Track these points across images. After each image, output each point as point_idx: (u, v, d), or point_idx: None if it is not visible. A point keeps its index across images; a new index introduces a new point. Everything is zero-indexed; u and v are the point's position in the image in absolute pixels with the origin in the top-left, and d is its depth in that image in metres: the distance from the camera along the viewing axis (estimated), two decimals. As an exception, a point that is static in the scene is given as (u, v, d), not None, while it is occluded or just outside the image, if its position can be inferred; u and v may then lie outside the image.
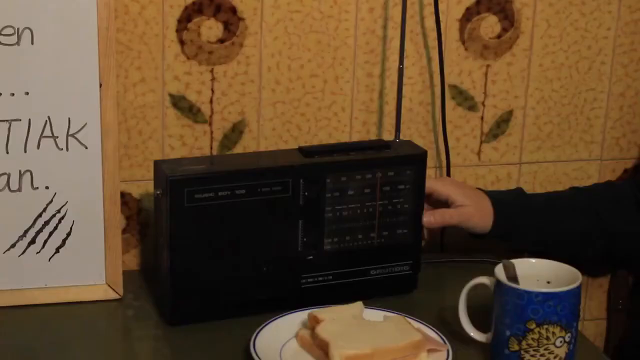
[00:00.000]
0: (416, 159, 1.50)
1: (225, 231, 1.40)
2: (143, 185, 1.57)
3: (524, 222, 1.56)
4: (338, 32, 1.58)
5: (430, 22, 1.61)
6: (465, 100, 1.67)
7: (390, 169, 1.48)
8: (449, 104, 1.65)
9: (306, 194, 1.43)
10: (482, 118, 1.68)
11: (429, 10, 1.60)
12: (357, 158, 1.47)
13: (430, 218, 1.51)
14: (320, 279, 1.47)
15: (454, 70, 1.65)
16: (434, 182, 1.53)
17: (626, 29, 1.69)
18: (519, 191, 1.60)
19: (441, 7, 1.60)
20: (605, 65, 1.70)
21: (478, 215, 1.53)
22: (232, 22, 1.54)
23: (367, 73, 1.61)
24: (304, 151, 1.47)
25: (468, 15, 1.63)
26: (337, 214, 1.46)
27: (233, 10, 1.53)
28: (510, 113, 1.69)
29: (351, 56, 1.60)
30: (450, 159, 1.65)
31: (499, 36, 1.65)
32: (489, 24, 1.64)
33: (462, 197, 1.52)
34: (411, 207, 1.50)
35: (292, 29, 1.56)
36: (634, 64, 1.71)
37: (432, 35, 1.61)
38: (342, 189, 1.45)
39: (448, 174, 1.66)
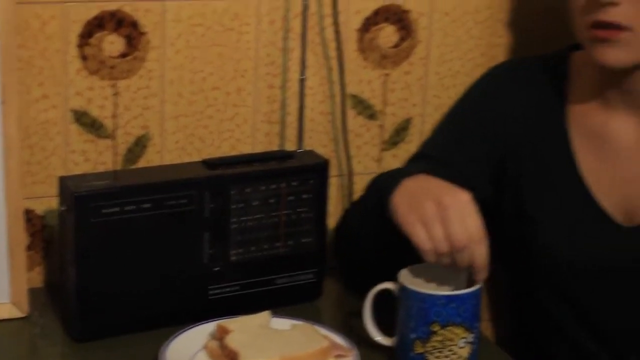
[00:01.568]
0: (319, 168, 1.53)
1: (133, 245, 1.41)
2: (46, 202, 1.56)
3: None
4: (239, 44, 1.60)
5: (329, 33, 1.63)
6: (365, 109, 1.70)
7: (294, 179, 1.50)
8: (350, 113, 1.68)
9: (212, 206, 1.45)
10: (381, 126, 1.72)
11: (329, 21, 1.63)
12: (261, 169, 1.49)
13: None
14: (228, 289, 1.49)
15: (354, 80, 1.68)
16: None
17: (518, 37, 1.74)
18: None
19: (340, 18, 1.62)
20: (499, 72, 1.75)
21: None
22: (133, 36, 1.54)
23: (269, 84, 1.63)
24: (208, 163, 1.48)
25: (366, 26, 1.66)
26: (243, 225, 1.48)
27: (134, 24, 1.54)
28: (408, 121, 1.73)
29: (252, 68, 1.62)
30: (352, 167, 1.68)
31: (396, 46, 1.69)
32: (387, 34, 1.68)
33: None
34: (315, 215, 1.52)
35: (193, 42, 1.58)
36: (526, 70, 1.76)
37: (332, 45, 1.64)
38: (247, 200, 1.47)
39: (350, 182, 1.69)
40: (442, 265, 1.34)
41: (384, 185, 1.41)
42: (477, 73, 1.73)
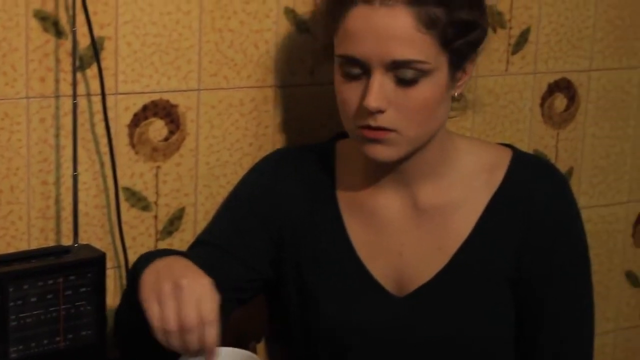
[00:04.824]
0: (95, 261, 1.56)
1: None
2: None
3: None
4: (11, 143, 1.62)
5: (100, 129, 1.68)
6: (139, 201, 1.74)
7: (71, 274, 1.53)
8: (124, 205, 1.72)
9: (-11, 304, 1.46)
10: (155, 217, 1.76)
11: (99, 117, 1.67)
12: (38, 265, 1.51)
13: None
14: (9, 388, 1.49)
15: (127, 173, 1.72)
16: None
17: (283, 126, 1.83)
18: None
19: (110, 114, 1.67)
20: (266, 160, 1.83)
21: None
22: None
23: (42, 181, 1.65)
24: (-16, 262, 1.49)
25: (136, 121, 1.71)
26: (22, 322, 1.49)
27: None
28: (182, 210, 1.78)
29: (25, 166, 1.64)
30: (128, 258, 1.71)
31: (166, 139, 1.75)
32: (157, 128, 1.73)
33: None
34: (93, 308, 1.55)
35: (-37, 142, 1.59)
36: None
37: (103, 141, 1.68)
38: (25, 297, 1.49)
39: (127, 273, 1.72)
40: (173, 346, 1.37)
41: (138, 266, 1.47)
42: (245, 162, 1.81)
